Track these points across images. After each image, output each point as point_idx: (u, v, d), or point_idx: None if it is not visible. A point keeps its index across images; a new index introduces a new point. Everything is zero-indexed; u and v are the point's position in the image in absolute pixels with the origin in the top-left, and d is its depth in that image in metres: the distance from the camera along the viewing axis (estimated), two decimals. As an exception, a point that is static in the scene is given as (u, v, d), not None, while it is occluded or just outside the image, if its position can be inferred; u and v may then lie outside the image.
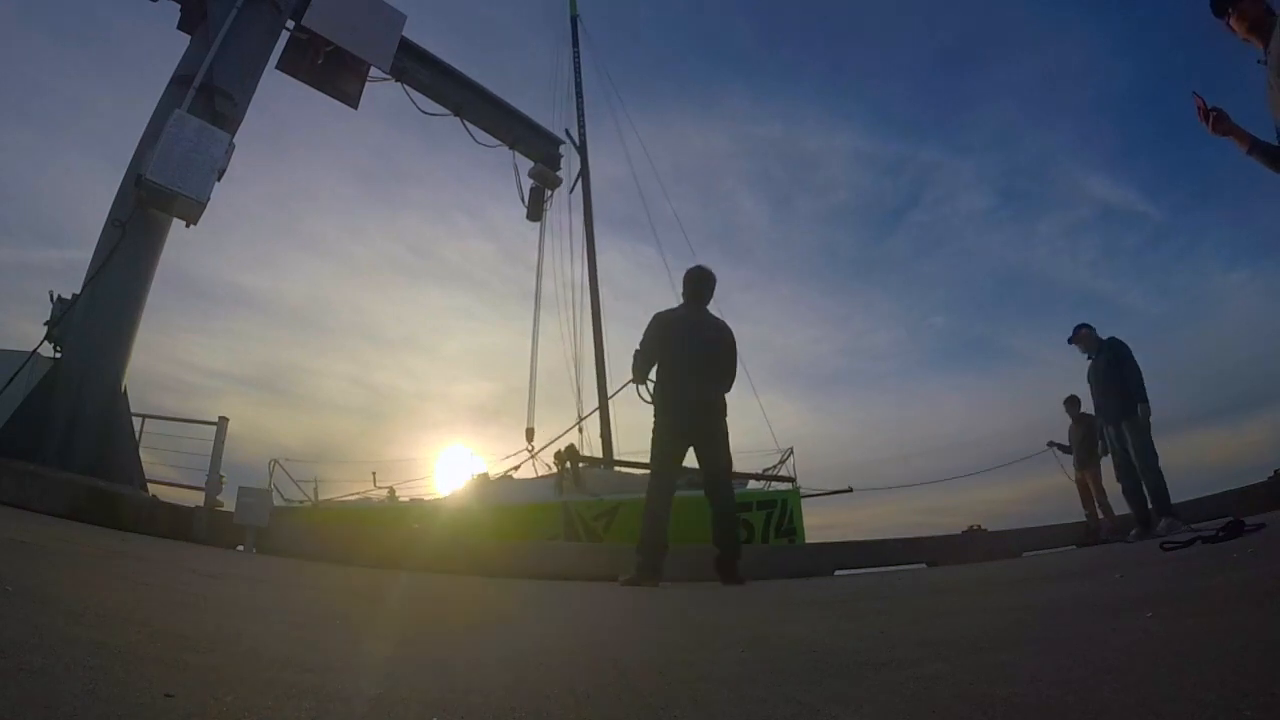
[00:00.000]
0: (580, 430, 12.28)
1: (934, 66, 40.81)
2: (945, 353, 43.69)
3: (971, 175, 41.72)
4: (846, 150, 43.10)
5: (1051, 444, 8.86)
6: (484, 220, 36.97)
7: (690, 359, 4.69)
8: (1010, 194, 40.43)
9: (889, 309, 44.15)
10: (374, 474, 9.77)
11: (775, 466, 10.34)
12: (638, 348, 4.85)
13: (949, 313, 44.19)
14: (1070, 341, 6.71)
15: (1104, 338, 6.61)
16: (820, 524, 10.09)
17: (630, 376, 4.96)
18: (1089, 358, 6.63)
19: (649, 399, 4.80)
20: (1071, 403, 8.77)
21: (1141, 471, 6.04)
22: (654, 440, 4.78)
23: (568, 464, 9.79)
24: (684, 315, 4.85)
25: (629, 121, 24.52)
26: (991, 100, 39.72)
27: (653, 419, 4.75)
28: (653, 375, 4.82)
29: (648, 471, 10.07)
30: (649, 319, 4.77)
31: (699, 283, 4.92)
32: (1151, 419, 6.04)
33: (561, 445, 10.17)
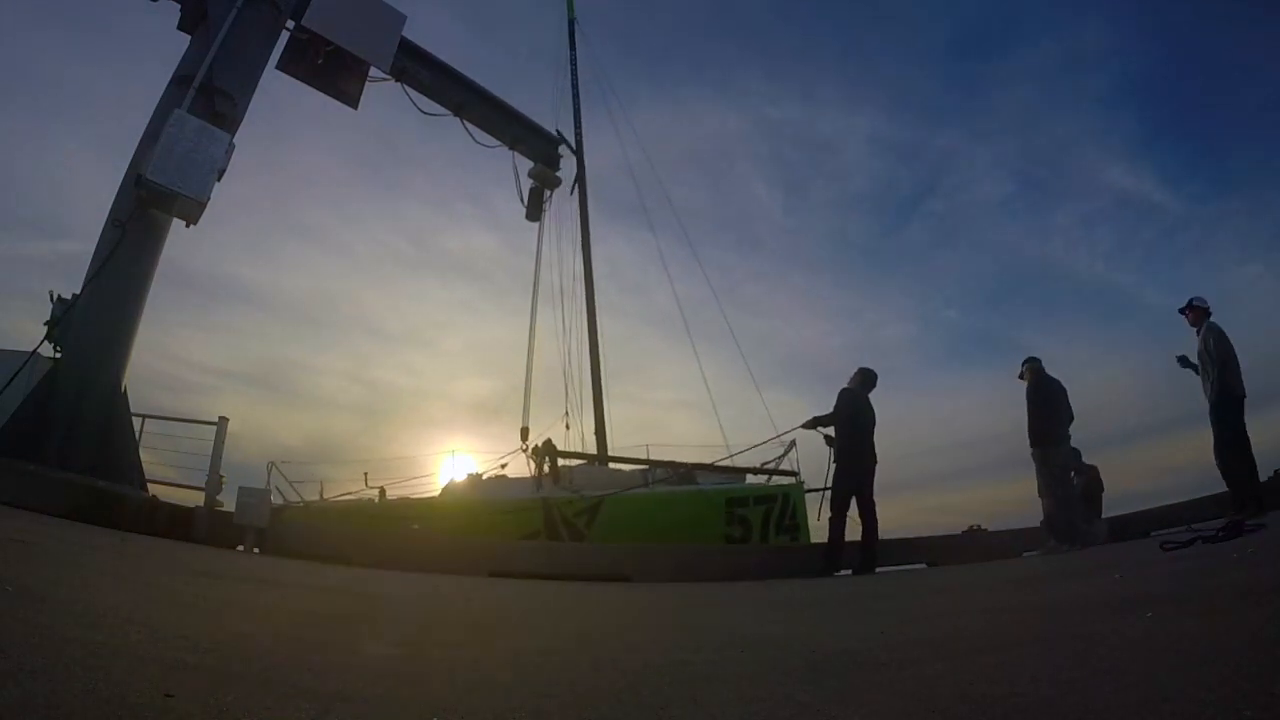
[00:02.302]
0: (567, 427, 12.19)
1: (954, 47, 38.53)
2: (957, 348, 42.21)
3: (989, 162, 39.52)
4: (863, 133, 41.00)
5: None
6: (487, 208, 35.97)
7: (863, 427, 6.86)
8: (1028, 182, 38.38)
9: (902, 302, 42.38)
10: (365, 474, 9.79)
11: (776, 460, 9.94)
12: (829, 413, 6.95)
13: (962, 306, 42.69)
14: (1019, 378, 6.95)
15: (1045, 376, 6.83)
16: (819, 524, 9.81)
17: (811, 422, 7.14)
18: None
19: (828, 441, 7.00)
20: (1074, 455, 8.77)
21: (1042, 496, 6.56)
22: (836, 474, 6.80)
23: (546, 460, 9.63)
24: (863, 398, 6.99)
25: (631, 116, 23.85)
26: (1011, 84, 37.34)
27: (835, 460, 6.85)
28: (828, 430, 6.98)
29: (636, 468, 9.98)
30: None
31: (873, 381, 7.14)
32: (1060, 452, 6.64)
33: (540, 441, 10.06)
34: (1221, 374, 5.94)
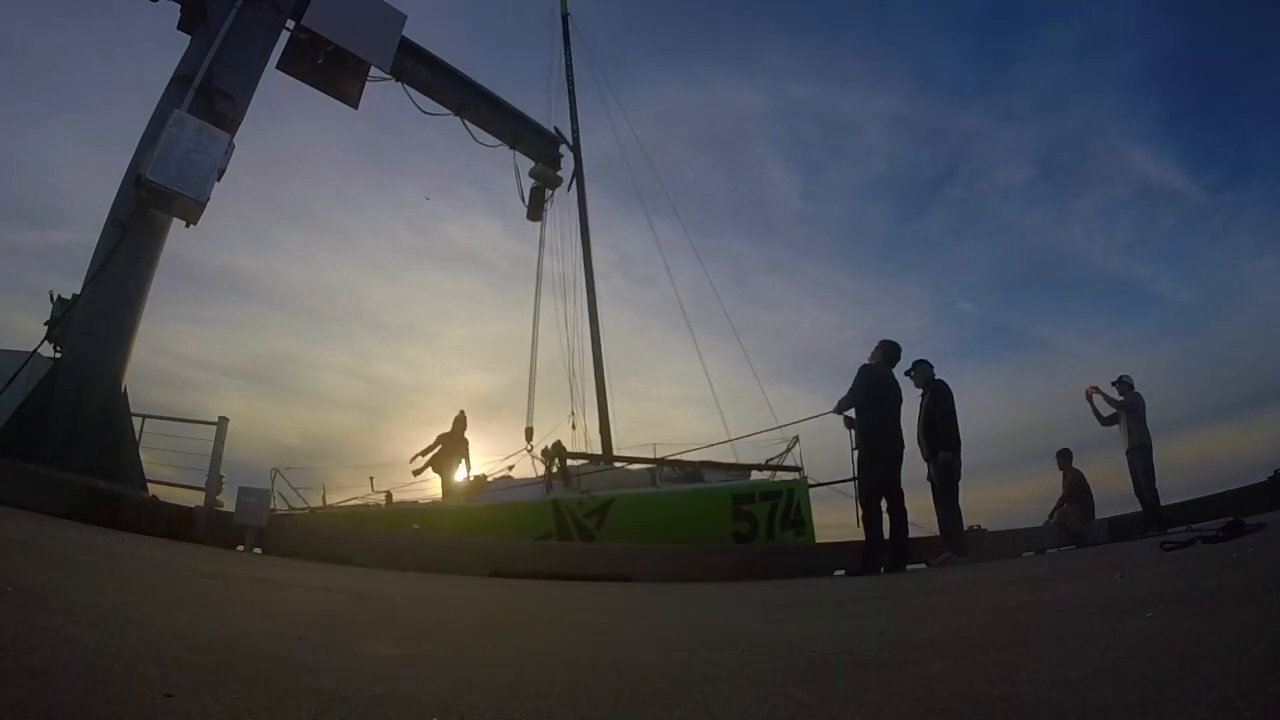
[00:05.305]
0: (574, 427, 12.21)
1: (981, 23, 37.01)
2: (970, 342, 40.21)
3: (1011, 146, 38.19)
4: (885, 114, 39.35)
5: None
6: (489, 192, 35.11)
7: (888, 407, 6.33)
8: (1049, 167, 37.05)
9: (916, 294, 40.58)
10: (371, 479, 9.78)
11: (780, 456, 10.02)
12: (848, 394, 6.44)
13: (977, 299, 40.81)
14: (906, 374, 6.69)
15: (936, 378, 6.57)
16: (820, 523, 9.81)
17: (837, 407, 6.58)
18: (921, 392, 6.59)
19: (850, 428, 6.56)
20: (1064, 455, 8.77)
21: (939, 506, 6.32)
22: (862, 464, 6.32)
23: (555, 461, 9.73)
24: (886, 374, 6.48)
25: (644, 94, 23.46)
26: (1037, 62, 36.03)
27: (858, 447, 6.39)
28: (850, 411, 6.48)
29: (642, 466, 9.99)
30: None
31: (896, 355, 6.62)
32: (958, 464, 6.25)
33: (550, 443, 10.10)
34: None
